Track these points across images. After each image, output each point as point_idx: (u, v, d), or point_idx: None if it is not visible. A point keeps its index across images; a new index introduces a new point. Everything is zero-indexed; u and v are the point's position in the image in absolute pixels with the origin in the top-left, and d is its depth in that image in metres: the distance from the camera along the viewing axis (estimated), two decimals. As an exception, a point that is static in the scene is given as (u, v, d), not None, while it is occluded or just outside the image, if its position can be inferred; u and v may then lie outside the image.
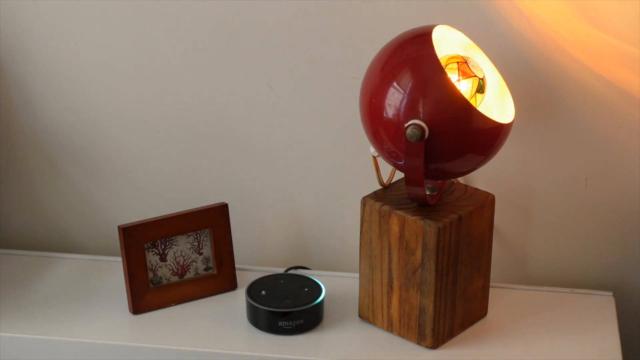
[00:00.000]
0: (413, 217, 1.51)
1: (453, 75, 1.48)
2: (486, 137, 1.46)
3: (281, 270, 1.77)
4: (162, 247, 1.67)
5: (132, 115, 1.78)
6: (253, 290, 1.63)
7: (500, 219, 1.73)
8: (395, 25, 1.60)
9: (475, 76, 1.49)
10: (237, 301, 1.69)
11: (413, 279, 1.54)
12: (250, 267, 1.78)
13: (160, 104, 1.77)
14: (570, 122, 1.67)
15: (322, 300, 1.62)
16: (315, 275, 1.73)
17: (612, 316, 1.65)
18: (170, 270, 1.69)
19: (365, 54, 1.59)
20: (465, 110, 1.43)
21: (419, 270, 1.53)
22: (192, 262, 1.70)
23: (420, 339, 1.57)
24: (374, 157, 1.57)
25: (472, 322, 1.62)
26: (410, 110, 1.44)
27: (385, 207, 1.54)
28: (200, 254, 1.70)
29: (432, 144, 1.44)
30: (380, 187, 1.60)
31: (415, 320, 1.56)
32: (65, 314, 1.65)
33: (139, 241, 1.65)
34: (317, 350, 1.57)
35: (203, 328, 1.62)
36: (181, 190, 1.81)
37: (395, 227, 1.53)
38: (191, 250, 1.69)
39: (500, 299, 1.69)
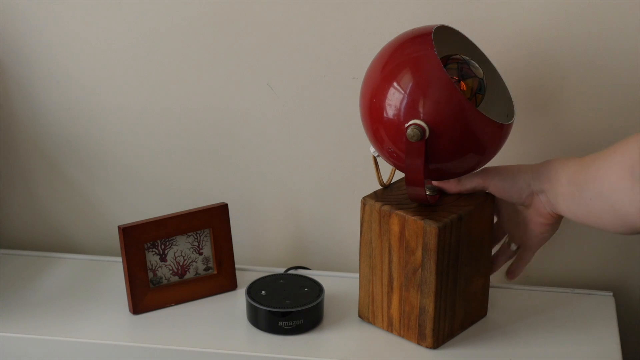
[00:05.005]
0: (413, 217, 1.51)
1: (453, 76, 1.48)
2: (486, 138, 1.46)
3: (281, 270, 1.77)
4: (162, 247, 1.67)
5: (132, 115, 1.78)
6: (253, 290, 1.63)
7: (500, 219, 1.73)
8: (395, 25, 1.60)
9: (475, 76, 1.49)
10: (237, 301, 1.69)
11: (413, 279, 1.54)
12: (250, 267, 1.78)
13: (160, 104, 1.77)
14: (570, 122, 1.67)
15: (322, 300, 1.62)
16: (315, 275, 1.73)
17: (612, 316, 1.65)
18: (170, 270, 1.69)
19: (365, 54, 1.59)
20: (466, 110, 1.43)
21: (419, 270, 1.53)
22: (192, 262, 1.70)
23: (420, 339, 1.57)
24: (374, 157, 1.57)
25: (472, 322, 1.63)
26: (411, 110, 1.44)
27: (386, 207, 1.54)
28: (200, 254, 1.70)
29: (432, 144, 1.44)
30: (380, 187, 1.60)
31: (415, 320, 1.56)
32: (65, 314, 1.65)
33: (139, 241, 1.65)
34: (317, 350, 1.57)
35: (203, 328, 1.62)
36: (181, 190, 1.81)
37: (395, 227, 1.53)
38: (191, 250, 1.69)
39: (500, 299, 1.69)
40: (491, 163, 1.58)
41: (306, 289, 1.64)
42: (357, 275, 1.67)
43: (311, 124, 1.74)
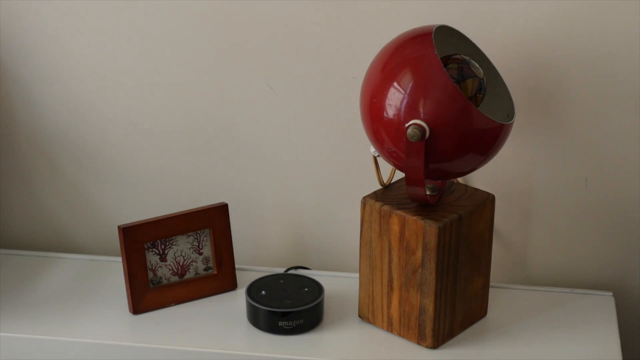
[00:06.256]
0: (413, 217, 1.51)
1: (453, 75, 1.48)
2: (486, 137, 1.46)
3: (281, 270, 1.77)
4: (162, 247, 1.67)
5: (132, 116, 1.78)
6: (253, 290, 1.63)
7: (500, 219, 1.73)
8: (395, 25, 1.60)
9: (475, 76, 1.49)
10: (237, 301, 1.69)
11: (413, 279, 1.54)
12: (250, 267, 1.78)
13: (160, 104, 1.77)
14: (570, 122, 1.67)
15: (322, 300, 1.62)
16: (315, 275, 1.73)
17: (612, 316, 1.65)
18: (170, 270, 1.69)
19: (365, 54, 1.59)
20: (466, 110, 1.43)
21: (419, 270, 1.53)
22: (192, 262, 1.70)
23: (420, 339, 1.57)
24: (374, 157, 1.57)
25: (472, 322, 1.63)
26: (411, 110, 1.44)
27: (386, 207, 1.54)
28: (200, 254, 1.70)
29: (432, 144, 1.44)
30: (380, 187, 1.60)
31: (415, 320, 1.56)
32: (65, 314, 1.65)
33: (139, 241, 1.65)
34: (317, 350, 1.57)
35: (203, 328, 1.62)
36: (181, 190, 1.81)
37: (395, 227, 1.53)
38: (191, 250, 1.69)
39: (500, 299, 1.69)
40: (491, 163, 1.58)
41: (306, 289, 1.64)
42: (357, 275, 1.67)
43: (311, 124, 1.74)
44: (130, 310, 1.66)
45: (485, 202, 1.57)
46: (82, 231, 1.88)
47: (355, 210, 1.73)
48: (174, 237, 1.68)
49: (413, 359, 1.55)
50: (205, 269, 1.71)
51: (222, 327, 1.62)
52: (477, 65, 1.51)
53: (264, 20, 1.68)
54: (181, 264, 1.69)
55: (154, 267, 1.67)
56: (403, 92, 1.45)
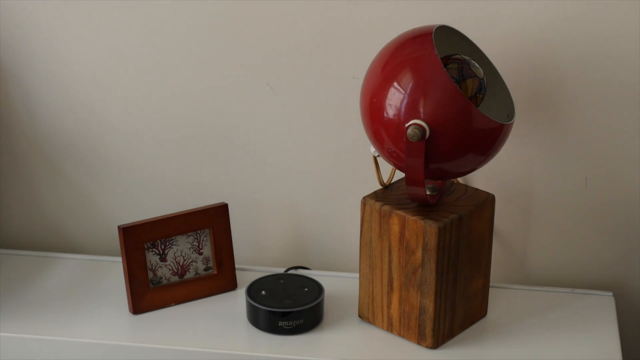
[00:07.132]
0: (413, 217, 1.51)
1: (453, 75, 1.48)
2: (487, 137, 1.46)
3: (281, 270, 1.77)
4: (162, 247, 1.67)
5: (132, 116, 1.78)
6: (253, 290, 1.63)
7: (500, 219, 1.73)
8: (395, 25, 1.60)
9: (476, 76, 1.49)
10: (237, 301, 1.69)
11: (413, 279, 1.54)
12: (250, 267, 1.78)
13: (160, 104, 1.77)
14: (570, 122, 1.67)
15: (322, 300, 1.62)
16: (315, 275, 1.73)
17: (612, 316, 1.65)
18: (170, 270, 1.69)
19: (365, 54, 1.59)
20: (466, 110, 1.43)
21: (419, 270, 1.53)
22: (192, 262, 1.70)
23: (420, 339, 1.57)
24: (374, 157, 1.57)
25: (472, 322, 1.63)
26: (411, 110, 1.44)
27: (386, 207, 1.54)
28: (200, 254, 1.70)
29: (432, 144, 1.45)
30: (381, 187, 1.60)
31: (415, 320, 1.56)
32: (65, 314, 1.65)
33: (139, 241, 1.65)
34: (317, 350, 1.57)
35: (203, 328, 1.62)
36: (181, 190, 1.81)
37: (395, 227, 1.53)
38: (191, 250, 1.69)
39: (500, 299, 1.69)
40: (491, 163, 1.58)
41: (306, 289, 1.64)
42: (357, 275, 1.67)
43: (311, 124, 1.74)
44: (130, 310, 1.66)
45: (485, 202, 1.57)
46: (82, 231, 1.88)
47: (355, 210, 1.73)
48: (174, 237, 1.68)
49: (413, 359, 1.55)
50: (205, 269, 1.71)
51: (222, 327, 1.62)
52: (477, 65, 1.51)
53: (264, 21, 1.68)
54: (181, 264, 1.69)
55: (154, 267, 1.67)
56: (403, 92, 1.45)
